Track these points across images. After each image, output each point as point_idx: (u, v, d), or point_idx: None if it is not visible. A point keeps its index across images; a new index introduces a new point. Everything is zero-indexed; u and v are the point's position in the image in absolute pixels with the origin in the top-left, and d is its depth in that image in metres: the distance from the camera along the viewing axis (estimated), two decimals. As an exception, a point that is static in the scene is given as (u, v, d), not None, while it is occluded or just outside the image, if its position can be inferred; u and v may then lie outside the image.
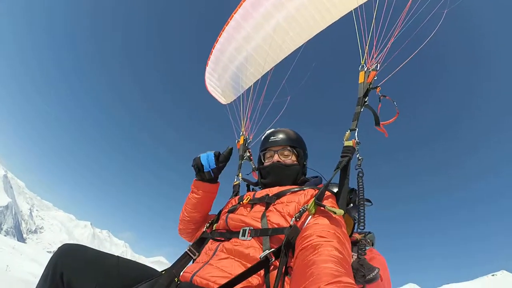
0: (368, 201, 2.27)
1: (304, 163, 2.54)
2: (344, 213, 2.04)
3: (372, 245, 2.95)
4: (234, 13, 3.78)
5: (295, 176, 2.44)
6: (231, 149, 2.51)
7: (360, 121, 2.42)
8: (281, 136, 2.53)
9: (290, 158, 2.47)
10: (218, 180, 2.57)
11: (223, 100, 4.36)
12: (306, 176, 2.53)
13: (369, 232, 3.05)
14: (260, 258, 1.72)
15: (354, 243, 2.70)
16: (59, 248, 1.85)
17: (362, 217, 1.96)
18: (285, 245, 1.69)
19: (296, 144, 2.52)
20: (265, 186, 2.46)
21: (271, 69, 3.98)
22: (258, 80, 4.07)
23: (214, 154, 2.46)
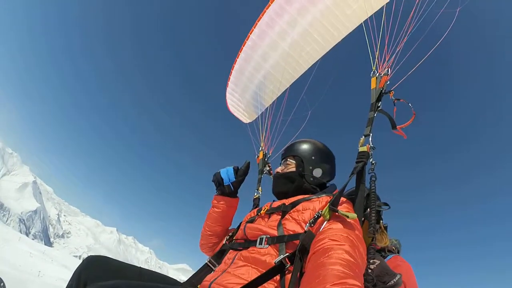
0: (386, 204, 2.32)
1: (300, 169, 2.56)
2: (364, 219, 2.11)
3: (398, 253, 2.91)
4: (250, 33, 4.02)
5: (294, 183, 2.52)
6: (249, 162, 2.70)
7: (378, 126, 2.48)
8: (287, 147, 2.73)
9: (289, 167, 2.59)
10: (238, 195, 2.74)
11: (245, 119, 4.55)
12: (310, 184, 2.56)
13: (395, 239, 3.02)
14: (275, 263, 1.82)
15: (379, 251, 2.70)
16: (84, 259, 2.03)
17: (373, 220, 1.99)
18: (299, 250, 1.76)
19: (295, 152, 2.62)
20: (275, 196, 2.60)
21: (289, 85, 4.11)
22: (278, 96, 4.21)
23: (233, 168, 2.66)
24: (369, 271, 1.98)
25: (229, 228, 2.81)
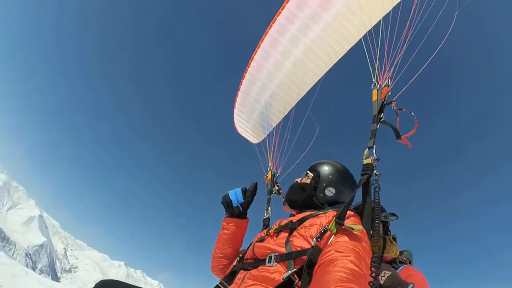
0: (393, 215, 2.43)
1: (313, 181, 2.67)
2: (373, 231, 2.10)
3: (410, 263, 2.89)
4: (254, 54, 4.15)
5: (302, 195, 2.63)
6: (256, 183, 2.79)
7: (383, 137, 2.49)
8: (314, 163, 2.84)
9: (307, 180, 2.73)
10: (247, 217, 2.81)
11: (253, 140, 4.61)
12: (319, 200, 2.63)
13: (406, 250, 3.00)
14: (283, 279, 1.87)
15: (390, 263, 2.70)
16: (95, 284, 2.08)
17: (377, 229, 2.00)
18: (307, 265, 1.81)
19: (316, 168, 2.75)
20: (288, 204, 2.80)
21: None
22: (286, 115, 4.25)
23: (241, 189, 2.75)
24: (381, 282, 2.05)
25: (240, 250, 2.84)
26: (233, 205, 2.67)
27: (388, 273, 2.26)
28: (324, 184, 2.62)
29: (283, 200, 3.26)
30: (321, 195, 2.59)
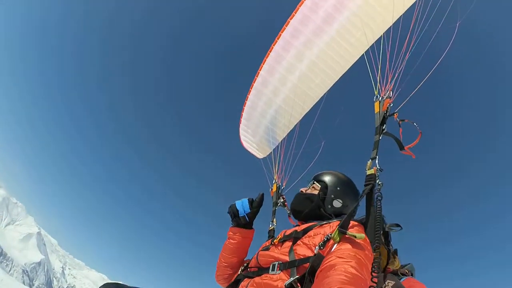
0: (397, 225, 2.43)
1: (321, 192, 2.70)
2: (374, 239, 2.13)
3: (412, 275, 2.92)
4: (260, 70, 4.24)
5: (310, 204, 2.65)
6: (263, 194, 2.85)
7: (386, 149, 2.52)
8: (319, 173, 2.88)
9: (313, 191, 2.75)
10: (253, 227, 2.86)
11: (259, 155, 4.66)
12: (327, 211, 2.66)
13: (408, 264, 3.04)
14: (285, 286, 1.92)
15: (394, 274, 2.72)
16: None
17: (378, 238, 2.03)
18: (309, 272, 1.87)
19: (323, 178, 2.78)
20: (292, 214, 2.82)
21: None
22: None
23: (248, 200, 2.81)
24: None
25: (245, 259, 2.87)
26: (240, 215, 2.72)
27: (392, 283, 2.33)
28: (332, 196, 2.66)
29: (288, 212, 3.28)
30: (329, 206, 2.62)
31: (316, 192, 2.70)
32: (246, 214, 2.74)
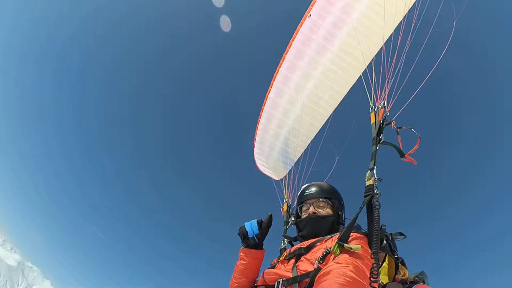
0: (401, 234, 2.44)
1: (340, 213, 2.69)
2: (372, 246, 2.14)
3: (423, 283, 2.82)
4: (268, 93, 4.36)
5: (331, 226, 2.61)
6: (271, 215, 2.87)
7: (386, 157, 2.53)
8: (314, 189, 2.81)
9: (325, 210, 2.70)
10: (263, 248, 2.88)
11: (275, 177, 4.70)
12: (344, 226, 2.67)
13: (421, 272, 2.96)
14: None
15: (404, 282, 2.66)
16: None
17: (375, 246, 2.01)
18: (308, 287, 1.91)
19: (330, 195, 2.75)
20: (303, 238, 2.69)
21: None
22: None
23: (257, 221, 2.84)
24: None
25: (257, 279, 2.88)
26: (249, 236, 2.77)
27: None
28: (343, 211, 2.71)
29: (299, 234, 3.25)
30: (342, 221, 2.66)
31: (330, 211, 2.68)
32: (255, 235, 2.77)
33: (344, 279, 1.63)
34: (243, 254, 2.81)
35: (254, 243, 2.78)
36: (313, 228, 2.65)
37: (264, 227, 2.79)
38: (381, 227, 2.21)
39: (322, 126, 4.27)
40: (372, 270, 1.84)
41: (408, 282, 2.73)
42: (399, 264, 2.45)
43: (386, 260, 2.41)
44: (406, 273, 2.55)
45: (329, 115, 4.21)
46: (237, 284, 2.83)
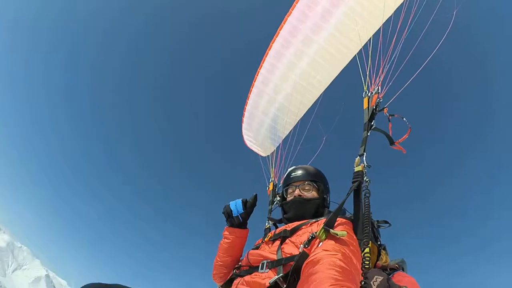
0: (386, 222, 2.50)
1: (325, 196, 2.73)
2: (363, 236, 2.16)
3: (403, 270, 2.94)
4: (260, 68, 4.29)
5: (316, 210, 2.64)
6: (256, 195, 2.90)
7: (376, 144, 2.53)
8: (301, 171, 2.82)
9: (310, 192, 2.70)
10: (247, 227, 2.92)
11: (262, 153, 4.72)
12: (329, 209, 2.71)
13: (401, 260, 3.13)
14: (269, 283, 1.96)
15: (384, 269, 2.74)
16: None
17: (366, 235, 2.06)
18: (293, 271, 1.91)
19: (316, 178, 2.76)
20: (288, 220, 2.70)
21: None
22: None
23: (242, 201, 2.86)
24: (373, 287, 2.17)
25: (241, 259, 2.94)
26: (233, 215, 2.79)
27: (380, 278, 2.37)
28: (328, 194, 2.73)
29: (284, 216, 3.25)
30: (327, 205, 2.69)
31: (316, 194, 2.69)
32: (240, 214, 2.80)
33: (335, 270, 1.62)
34: (228, 233, 2.85)
35: (238, 222, 2.81)
36: (298, 211, 2.66)
37: (249, 206, 2.82)
38: (364, 211, 2.25)
39: (312, 105, 4.24)
40: (364, 260, 1.90)
41: (388, 269, 2.83)
42: (382, 251, 2.51)
43: (369, 246, 2.43)
44: (387, 259, 2.63)
45: (320, 94, 4.18)
46: (221, 263, 2.88)
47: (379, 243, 2.51)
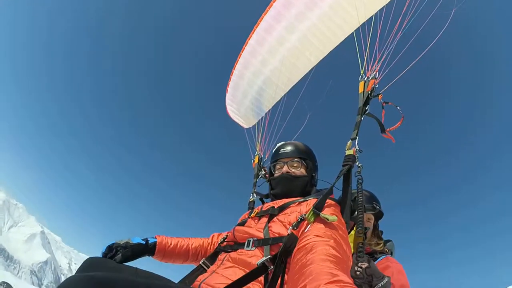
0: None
1: (313, 174, 2.72)
2: (356, 223, 2.23)
3: (391, 254, 2.98)
4: (249, 39, 4.27)
5: (304, 187, 2.62)
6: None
7: (368, 130, 2.56)
8: (290, 148, 2.74)
9: (299, 169, 2.64)
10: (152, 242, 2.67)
11: (244, 124, 4.75)
12: (317, 188, 2.73)
13: (389, 240, 3.13)
14: (257, 264, 1.93)
15: (371, 254, 2.77)
16: (83, 261, 2.16)
17: (360, 222, 2.12)
18: (281, 253, 1.89)
19: (305, 155, 2.70)
20: (274, 197, 2.68)
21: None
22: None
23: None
24: (358, 273, 2.08)
25: (221, 232, 2.92)
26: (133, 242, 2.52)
27: (365, 265, 2.24)
28: (316, 173, 2.72)
29: (271, 192, 3.03)
30: (315, 183, 2.69)
31: (304, 172, 2.65)
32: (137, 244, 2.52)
33: (330, 261, 1.56)
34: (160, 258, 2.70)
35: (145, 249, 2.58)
36: (286, 187, 2.61)
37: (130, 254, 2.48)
38: (357, 199, 2.27)
39: (299, 81, 4.26)
40: (359, 249, 1.94)
41: (378, 253, 2.86)
42: (376, 238, 2.56)
43: (355, 228, 2.37)
44: (382, 245, 2.69)
45: (307, 71, 4.21)
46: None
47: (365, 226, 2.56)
